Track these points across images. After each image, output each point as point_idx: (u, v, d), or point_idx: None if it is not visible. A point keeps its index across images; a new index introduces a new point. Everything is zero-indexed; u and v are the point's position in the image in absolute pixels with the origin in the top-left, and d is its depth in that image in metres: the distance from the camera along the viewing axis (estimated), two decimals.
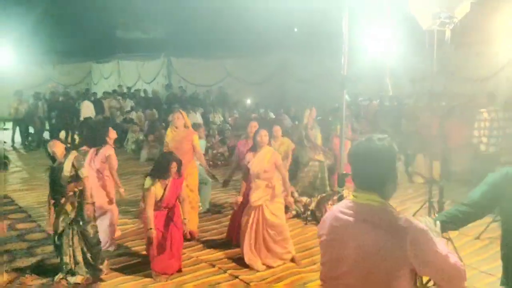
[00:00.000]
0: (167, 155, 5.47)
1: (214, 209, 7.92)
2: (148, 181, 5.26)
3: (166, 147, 6.68)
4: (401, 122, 11.18)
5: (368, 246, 2.09)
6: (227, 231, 6.51)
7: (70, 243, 5.12)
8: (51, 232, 5.21)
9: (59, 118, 15.00)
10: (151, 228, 5.14)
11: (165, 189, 5.30)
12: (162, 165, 5.30)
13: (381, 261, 2.06)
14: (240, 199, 5.87)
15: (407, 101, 11.81)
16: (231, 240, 6.30)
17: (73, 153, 5.22)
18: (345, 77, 4.81)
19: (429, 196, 6.02)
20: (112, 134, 6.40)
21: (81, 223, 5.13)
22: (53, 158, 5.19)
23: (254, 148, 5.69)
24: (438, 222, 2.78)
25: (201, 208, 7.49)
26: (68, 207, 5.09)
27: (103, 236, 5.69)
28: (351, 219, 2.17)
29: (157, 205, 5.29)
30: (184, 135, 6.57)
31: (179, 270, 5.48)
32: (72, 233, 5.12)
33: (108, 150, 6.21)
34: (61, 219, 5.09)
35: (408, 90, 12.25)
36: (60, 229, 5.08)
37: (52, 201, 5.19)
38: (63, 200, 5.09)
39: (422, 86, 10.89)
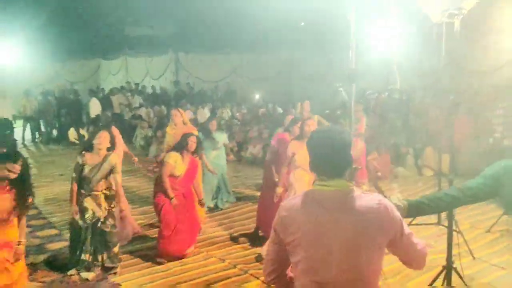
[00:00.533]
0: (186, 133, 5.90)
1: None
2: (168, 154, 5.66)
3: (167, 145, 6.72)
4: (409, 115, 11.11)
5: (355, 231, 2.10)
6: (257, 221, 6.49)
7: (91, 240, 5.16)
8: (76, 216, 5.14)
9: (68, 115, 15.13)
10: (172, 198, 5.50)
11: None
12: (182, 139, 5.75)
13: (369, 243, 2.10)
14: (280, 190, 5.69)
15: (414, 95, 11.74)
16: (259, 229, 6.34)
17: (115, 156, 5.23)
18: (353, 71, 4.77)
19: (438, 188, 5.99)
20: (115, 132, 6.49)
21: (105, 222, 5.20)
22: (89, 148, 5.19)
23: (300, 137, 5.50)
24: (405, 202, 2.74)
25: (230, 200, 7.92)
26: (99, 207, 5.14)
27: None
28: (333, 209, 2.13)
29: (174, 182, 5.57)
30: (184, 131, 6.60)
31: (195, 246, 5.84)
32: (93, 230, 5.16)
33: None
34: (86, 216, 5.12)
35: (416, 83, 12.17)
36: (85, 226, 5.12)
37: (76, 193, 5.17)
38: (89, 198, 5.13)
39: (429, 80, 10.81)
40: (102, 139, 5.15)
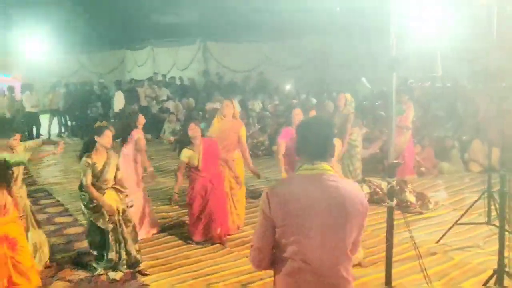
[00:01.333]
0: (185, 125, 6.46)
1: (252, 202, 7.92)
2: (182, 152, 6.07)
3: (209, 136, 6.65)
4: (456, 105, 10.84)
5: (338, 213, 2.39)
6: None
7: (119, 238, 5.26)
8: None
9: (94, 108, 15.48)
10: (176, 193, 6.08)
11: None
12: (184, 134, 6.19)
13: (350, 224, 2.40)
14: None
15: (462, 83, 11.43)
16: None
17: (116, 156, 5.47)
18: (394, 59, 4.68)
19: (488, 186, 5.83)
20: (141, 120, 6.78)
21: (126, 214, 5.36)
22: (91, 148, 5.34)
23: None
24: None
25: None
26: (117, 201, 5.30)
27: None
28: (317, 191, 2.41)
29: (197, 170, 6.02)
30: (232, 125, 6.53)
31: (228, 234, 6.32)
32: (120, 227, 5.27)
33: (138, 133, 6.56)
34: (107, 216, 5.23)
35: (462, 70, 11.86)
36: (111, 226, 5.22)
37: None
38: (107, 194, 5.26)
39: (478, 66, 10.51)
40: (108, 138, 5.28)
